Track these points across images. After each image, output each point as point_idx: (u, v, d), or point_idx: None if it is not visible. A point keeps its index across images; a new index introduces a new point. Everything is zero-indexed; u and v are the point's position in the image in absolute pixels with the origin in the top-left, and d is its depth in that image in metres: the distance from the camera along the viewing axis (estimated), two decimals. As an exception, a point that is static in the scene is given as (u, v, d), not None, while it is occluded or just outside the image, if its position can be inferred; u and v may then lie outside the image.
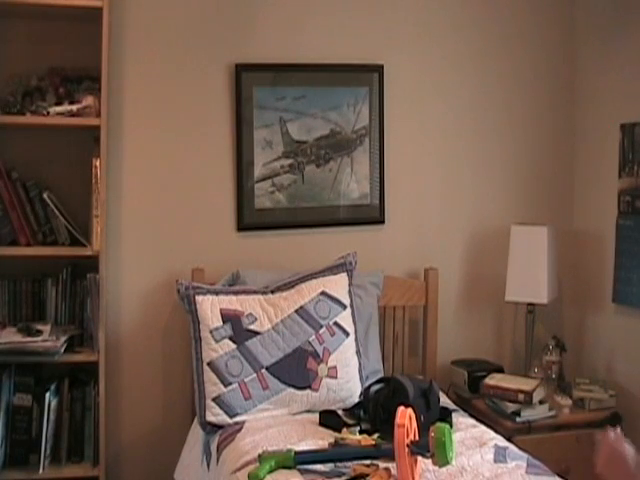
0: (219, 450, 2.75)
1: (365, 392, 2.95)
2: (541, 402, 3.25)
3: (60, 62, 3.15)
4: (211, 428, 2.90)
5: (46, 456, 3.02)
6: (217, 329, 2.94)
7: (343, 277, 3.19)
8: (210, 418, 2.89)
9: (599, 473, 1.69)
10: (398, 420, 2.20)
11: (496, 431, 2.90)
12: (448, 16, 3.61)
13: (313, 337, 3.01)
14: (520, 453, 2.59)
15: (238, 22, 3.37)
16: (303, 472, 2.41)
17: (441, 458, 2.19)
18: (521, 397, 3.20)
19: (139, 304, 3.32)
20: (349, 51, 3.49)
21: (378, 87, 3.52)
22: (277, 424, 2.83)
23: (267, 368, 2.93)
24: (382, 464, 2.38)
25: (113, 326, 3.27)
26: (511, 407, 3.22)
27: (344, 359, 3.05)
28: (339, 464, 2.46)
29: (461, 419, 2.95)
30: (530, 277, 3.46)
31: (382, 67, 3.52)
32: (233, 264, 3.28)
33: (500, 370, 3.48)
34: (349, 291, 3.18)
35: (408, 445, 2.19)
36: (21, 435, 3.03)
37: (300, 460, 2.44)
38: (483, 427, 2.88)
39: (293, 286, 3.11)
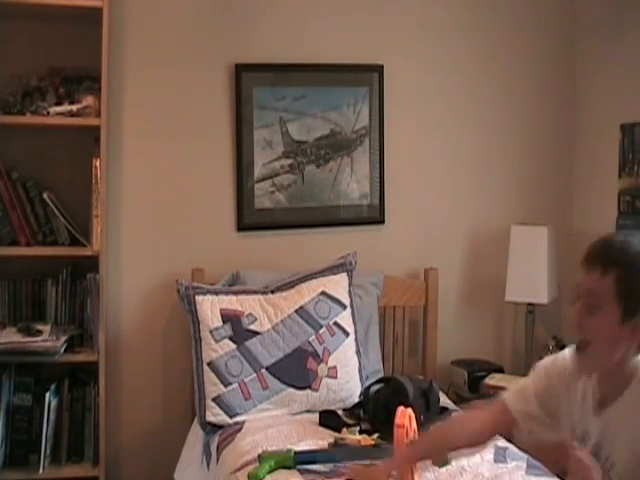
0: (219, 450, 2.75)
1: (365, 392, 2.95)
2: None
3: (60, 62, 3.15)
4: (211, 428, 2.90)
5: (46, 456, 3.03)
6: (217, 329, 2.94)
7: (343, 277, 3.19)
8: (210, 418, 2.89)
9: None
10: (398, 420, 2.19)
11: (496, 431, 2.90)
12: (448, 16, 3.60)
13: (313, 337, 3.01)
14: (520, 453, 2.59)
15: (238, 22, 3.37)
16: (303, 472, 2.42)
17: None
18: (521, 397, 3.19)
19: (139, 304, 3.32)
20: (349, 51, 3.49)
21: (378, 87, 3.52)
22: (277, 424, 2.83)
23: (267, 368, 2.93)
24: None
25: (113, 326, 3.27)
26: (511, 407, 3.22)
27: (344, 359, 3.05)
28: (339, 464, 2.46)
29: (461, 419, 2.95)
30: (530, 277, 3.46)
31: (382, 67, 3.52)
32: (233, 264, 3.27)
33: (500, 370, 3.48)
34: (349, 291, 3.18)
35: (408, 445, 2.19)
36: (21, 435, 3.03)
37: (300, 460, 2.44)
38: (483, 427, 2.88)
39: (293, 286, 3.11)
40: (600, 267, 1.72)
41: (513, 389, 2.08)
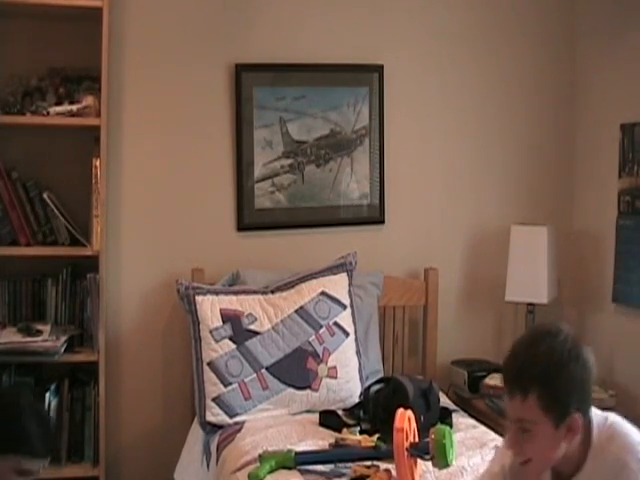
0: (219, 450, 2.75)
1: (365, 392, 2.95)
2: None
3: (60, 62, 3.15)
4: (211, 428, 2.90)
5: (46, 456, 3.03)
6: (217, 329, 2.95)
7: (343, 277, 3.19)
8: (210, 418, 2.90)
9: None
10: (397, 424, 2.19)
11: (496, 431, 2.90)
12: (449, 16, 3.60)
13: (313, 337, 3.01)
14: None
15: (238, 22, 3.37)
16: (303, 472, 2.42)
17: (441, 461, 2.19)
18: (521, 397, 3.19)
19: (139, 304, 3.32)
20: (349, 51, 3.49)
21: (378, 87, 3.52)
22: (277, 424, 2.83)
23: (267, 368, 2.94)
24: (383, 465, 2.38)
25: (113, 326, 3.27)
26: (511, 407, 3.22)
27: (344, 359, 3.05)
28: (339, 465, 2.46)
29: (461, 419, 2.95)
30: (530, 277, 3.46)
31: (382, 67, 3.51)
32: (233, 264, 3.27)
33: (500, 370, 3.47)
34: (349, 291, 3.18)
35: (407, 449, 2.19)
36: (21, 435, 3.03)
37: (300, 460, 2.45)
38: (483, 427, 2.88)
39: (293, 286, 3.12)
40: (518, 394, 1.71)
41: None
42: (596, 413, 1.79)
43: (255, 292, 3.08)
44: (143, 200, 3.32)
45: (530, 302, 3.51)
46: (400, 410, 2.25)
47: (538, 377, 1.70)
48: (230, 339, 2.94)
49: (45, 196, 3.05)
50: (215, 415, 2.89)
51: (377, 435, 2.63)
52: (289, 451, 2.47)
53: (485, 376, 3.38)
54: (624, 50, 3.43)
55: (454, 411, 3.01)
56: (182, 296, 3.00)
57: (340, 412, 2.97)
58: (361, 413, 2.91)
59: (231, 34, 3.36)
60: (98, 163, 3.05)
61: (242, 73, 3.35)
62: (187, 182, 3.35)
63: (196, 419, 2.98)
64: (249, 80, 3.36)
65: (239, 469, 2.51)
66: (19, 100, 3.04)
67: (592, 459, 1.74)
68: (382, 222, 3.57)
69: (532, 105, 3.73)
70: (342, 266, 3.22)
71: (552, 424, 1.69)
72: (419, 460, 2.29)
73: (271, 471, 2.41)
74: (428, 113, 3.62)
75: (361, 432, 2.72)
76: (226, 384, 2.90)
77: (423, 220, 3.64)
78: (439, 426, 2.25)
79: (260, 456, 2.47)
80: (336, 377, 3.01)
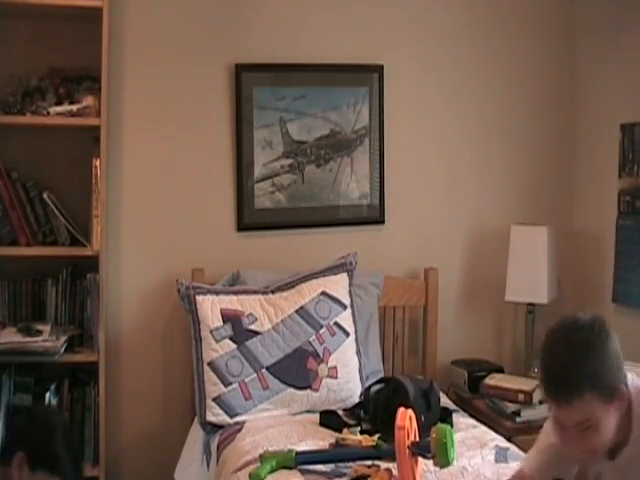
0: (219, 450, 2.75)
1: (365, 392, 2.95)
2: (541, 402, 3.24)
3: (60, 62, 3.15)
4: (211, 428, 2.90)
5: (46, 456, 3.02)
6: (217, 329, 2.94)
7: (343, 277, 3.19)
8: (210, 418, 2.89)
9: None
10: (398, 422, 2.19)
11: (496, 431, 2.91)
12: (449, 16, 3.61)
13: (313, 337, 3.01)
14: (521, 454, 2.58)
15: (238, 22, 3.37)
16: (304, 472, 2.42)
17: (442, 459, 2.19)
18: (521, 397, 3.20)
19: (139, 304, 3.32)
20: (349, 51, 3.49)
21: (378, 87, 3.52)
22: (277, 424, 2.83)
23: (267, 368, 2.94)
24: (383, 464, 2.38)
25: (113, 326, 3.27)
26: (511, 407, 3.23)
27: (344, 359, 3.05)
28: (340, 464, 2.46)
29: (461, 419, 2.95)
30: (530, 277, 3.46)
31: (382, 67, 3.52)
32: (233, 264, 3.27)
33: (500, 370, 3.49)
34: (349, 291, 3.18)
35: (409, 447, 2.19)
36: (21, 435, 3.03)
37: (301, 460, 2.44)
38: (484, 427, 2.88)
39: (293, 286, 3.11)
40: (576, 399, 1.71)
41: (529, 453, 2.12)
42: (629, 377, 1.82)
43: (255, 292, 3.08)
44: (143, 200, 3.32)
45: (530, 302, 3.52)
46: (401, 409, 2.25)
47: (587, 375, 1.71)
48: (230, 339, 2.94)
49: (45, 196, 3.05)
50: (215, 415, 2.89)
51: (378, 435, 2.63)
52: (290, 451, 2.47)
53: (485, 376, 3.38)
54: (624, 50, 3.43)
55: (454, 411, 3.01)
56: (182, 296, 3.00)
57: (340, 412, 2.97)
58: (361, 413, 2.91)
59: (231, 34, 3.36)
60: (98, 163, 3.05)
61: (242, 73, 3.35)
62: (187, 182, 3.35)
63: (196, 419, 2.98)
64: (249, 80, 3.36)
65: (240, 469, 2.51)
66: (19, 100, 3.04)
67: (637, 422, 1.78)
68: (382, 222, 3.57)
69: (532, 105, 3.74)
70: (342, 266, 3.22)
71: (607, 407, 1.72)
72: (420, 460, 2.29)
73: (272, 471, 2.40)
74: (428, 113, 3.62)
75: (362, 432, 2.72)
76: (226, 384, 2.90)
77: (423, 220, 3.64)
78: (440, 425, 2.25)
79: (261, 456, 2.47)
80: (336, 377, 3.01)
